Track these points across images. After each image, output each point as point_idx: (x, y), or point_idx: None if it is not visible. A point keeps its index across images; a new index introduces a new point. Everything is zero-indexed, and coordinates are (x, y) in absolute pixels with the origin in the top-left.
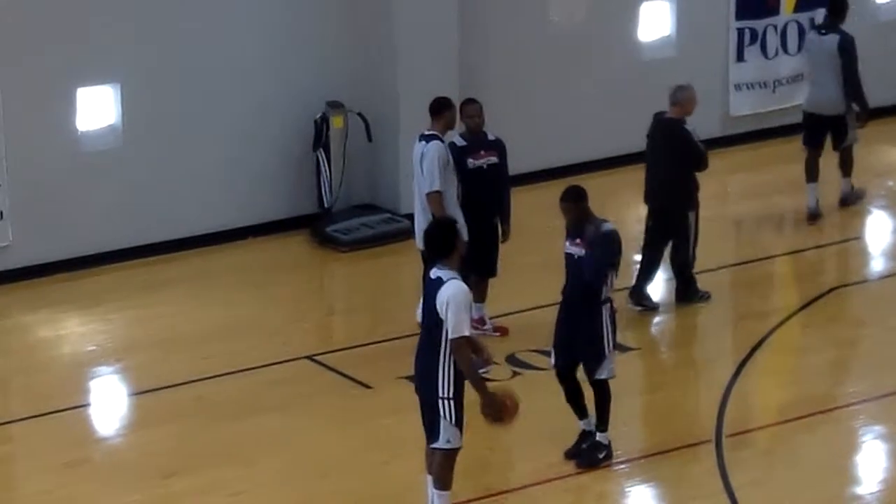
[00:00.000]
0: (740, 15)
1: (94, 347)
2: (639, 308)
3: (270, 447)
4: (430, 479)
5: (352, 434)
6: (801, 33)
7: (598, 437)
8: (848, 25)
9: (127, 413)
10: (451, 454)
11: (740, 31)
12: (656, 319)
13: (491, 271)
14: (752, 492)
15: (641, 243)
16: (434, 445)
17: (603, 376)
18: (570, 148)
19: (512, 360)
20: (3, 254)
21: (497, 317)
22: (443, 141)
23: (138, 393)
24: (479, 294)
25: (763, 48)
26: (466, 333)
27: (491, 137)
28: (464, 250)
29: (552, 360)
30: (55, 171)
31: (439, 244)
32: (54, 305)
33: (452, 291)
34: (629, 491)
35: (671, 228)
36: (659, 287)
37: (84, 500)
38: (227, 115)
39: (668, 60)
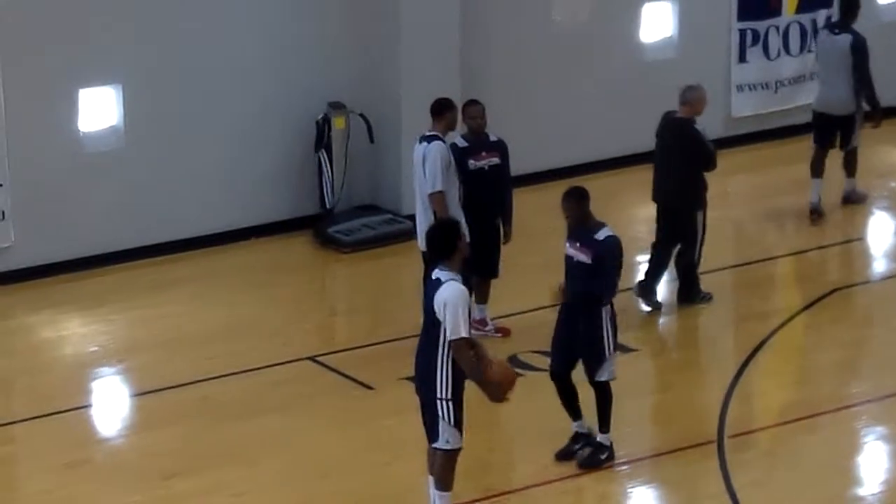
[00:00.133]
0: (742, 16)
1: (96, 348)
2: (644, 304)
3: (272, 448)
4: (431, 479)
5: (353, 435)
6: (803, 34)
7: (600, 438)
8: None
9: (129, 414)
10: (451, 455)
11: (742, 32)
12: (658, 320)
13: (493, 272)
14: (754, 492)
15: (644, 243)
16: (434, 445)
17: (603, 378)
18: (572, 149)
19: (514, 361)
20: (6, 254)
21: (499, 318)
22: (444, 142)
23: (140, 394)
24: (482, 295)
25: (765, 49)
26: (464, 335)
27: (493, 138)
28: (466, 252)
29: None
30: (57, 171)
31: (440, 245)
32: (56, 306)
33: (450, 292)
34: (631, 492)
35: (679, 228)
36: (661, 288)
37: (85, 501)
38: (228, 116)
39: (669, 61)
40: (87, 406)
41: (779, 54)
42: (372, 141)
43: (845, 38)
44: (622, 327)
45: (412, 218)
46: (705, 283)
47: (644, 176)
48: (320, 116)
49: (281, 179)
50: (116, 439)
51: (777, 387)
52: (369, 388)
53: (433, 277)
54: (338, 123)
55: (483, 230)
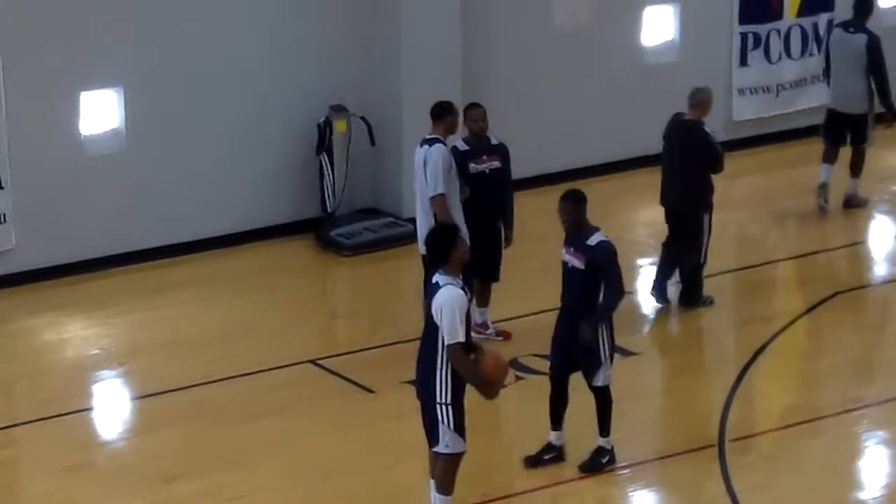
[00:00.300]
0: (743, 19)
1: (97, 351)
2: (659, 301)
3: (273, 451)
4: (432, 483)
5: (354, 438)
6: (805, 38)
7: (601, 442)
8: None
9: (130, 417)
10: (453, 459)
11: (743, 36)
12: (659, 324)
13: (494, 276)
14: (755, 496)
15: (645, 247)
16: (435, 449)
17: (599, 383)
18: (573, 152)
19: (515, 364)
20: (7, 257)
21: (500, 321)
22: (445, 144)
23: (141, 397)
24: (483, 298)
25: (766, 53)
26: (461, 339)
27: (494, 142)
28: (465, 256)
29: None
30: (58, 174)
31: (438, 250)
32: (57, 309)
33: (447, 297)
34: (632, 496)
35: (685, 230)
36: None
37: None
38: (229, 119)
39: (671, 65)
40: (89, 409)
41: (780, 58)
42: (373, 144)
43: (861, 38)
44: (624, 331)
45: (413, 221)
46: (707, 286)
47: (646, 179)
48: (321, 119)
49: (282, 182)
50: (117, 442)
51: (778, 390)
52: (370, 391)
53: (433, 282)
54: (339, 126)
55: (484, 233)
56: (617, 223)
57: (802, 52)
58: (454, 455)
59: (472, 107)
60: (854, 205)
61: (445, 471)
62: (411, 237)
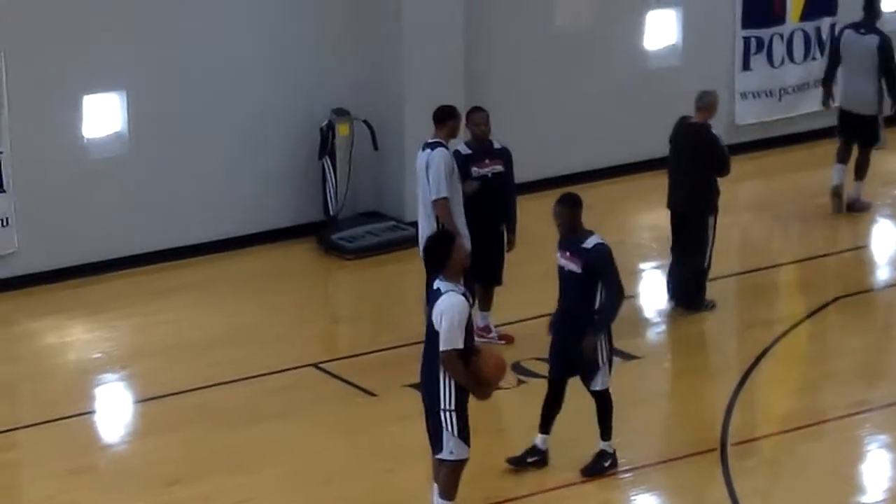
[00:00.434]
0: (746, 23)
1: (99, 354)
2: (687, 308)
3: (275, 455)
4: (435, 487)
5: (356, 442)
6: (807, 42)
7: (602, 445)
8: None
9: (132, 420)
10: (457, 466)
11: (746, 40)
12: (661, 328)
13: (496, 280)
14: (757, 501)
15: (648, 250)
16: (438, 456)
17: (597, 387)
18: (575, 156)
19: (517, 368)
20: (9, 260)
21: (502, 325)
22: (447, 148)
23: (143, 400)
24: (485, 302)
25: (769, 57)
26: (458, 346)
27: (496, 146)
28: (464, 263)
29: (548, 369)
30: (61, 178)
31: (434, 257)
32: (60, 312)
33: (447, 304)
34: (634, 499)
35: (690, 233)
36: (665, 295)
37: None
38: (232, 123)
39: (673, 69)
40: (91, 412)
41: (783, 62)
42: (376, 148)
43: (872, 39)
44: (626, 334)
45: (415, 225)
46: (710, 289)
47: (648, 183)
48: (324, 123)
49: (284, 186)
50: (119, 445)
51: (781, 394)
52: (372, 394)
53: (434, 288)
54: (342, 130)
55: (486, 237)
56: (619, 227)
57: (805, 56)
58: (458, 461)
59: (475, 111)
60: (857, 209)
61: (449, 477)
62: (413, 241)
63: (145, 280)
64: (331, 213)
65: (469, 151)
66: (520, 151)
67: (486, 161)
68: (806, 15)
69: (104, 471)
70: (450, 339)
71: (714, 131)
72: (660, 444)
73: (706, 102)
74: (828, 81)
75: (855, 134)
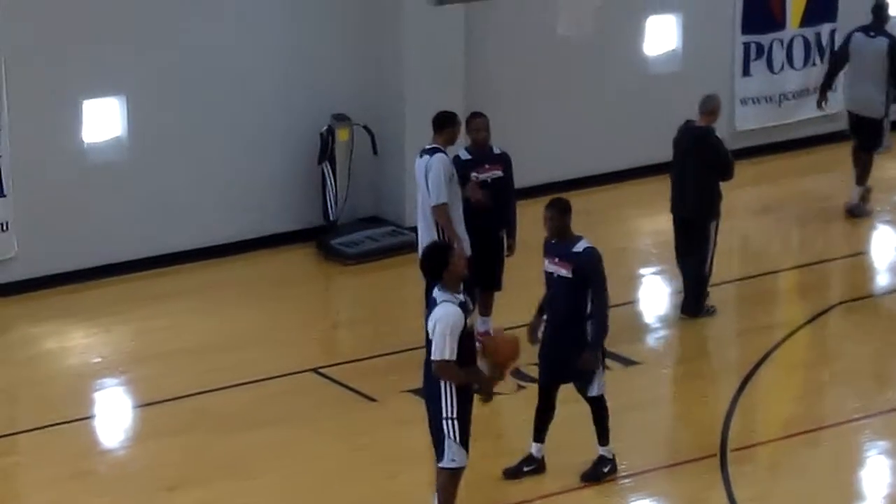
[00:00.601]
0: (746, 29)
1: (99, 359)
2: (687, 314)
3: (274, 460)
4: (436, 494)
5: (356, 447)
6: (807, 48)
7: (601, 451)
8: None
9: (132, 425)
10: (456, 474)
11: (746, 46)
12: (661, 333)
13: (496, 285)
14: None
15: (648, 256)
16: (440, 465)
17: (594, 393)
18: (575, 161)
19: (517, 373)
20: (9, 265)
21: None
22: (446, 154)
23: (143, 405)
24: (485, 307)
25: (769, 63)
26: (447, 357)
27: (496, 151)
28: (461, 273)
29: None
30: (61, 182)
31: (431, 267)
32: (59, 317)
33: (440, 314)
34: None
35: (693, 238)
36: (665, 300)
37: None
38: (232, 128)
39: (673, 74)
40: (90, 417)
41: (782, 68)
42: (375, 153)
43: (881, 41)
44: (626, 340)
45: (415, 230)
46: (710, 295)
47: (649, 188)
48: (324, 128)
49: (284, 191)
50: (119, 450)
51: (780, 400)
52: (372, 399)
53: (433, 296)
54: (341, 135)
55: (486, 242)
56: (620, 232)
57: (805, 62)
58: (458, 469)
59: (475, 116)
60: (856, 214)
61: (447, 484)
62: (413, 246)
63: (145, 285)
64: (330, 218)
65: (469, 157)
66: (520, 157)
67: (486, 166)
68: (806, 21)
69: (104, 476)
70: (439, 349)
71: (718, 135)
72: (660, 449)
73: (710, 106)
74: (827, 85)
75: (859, 137)
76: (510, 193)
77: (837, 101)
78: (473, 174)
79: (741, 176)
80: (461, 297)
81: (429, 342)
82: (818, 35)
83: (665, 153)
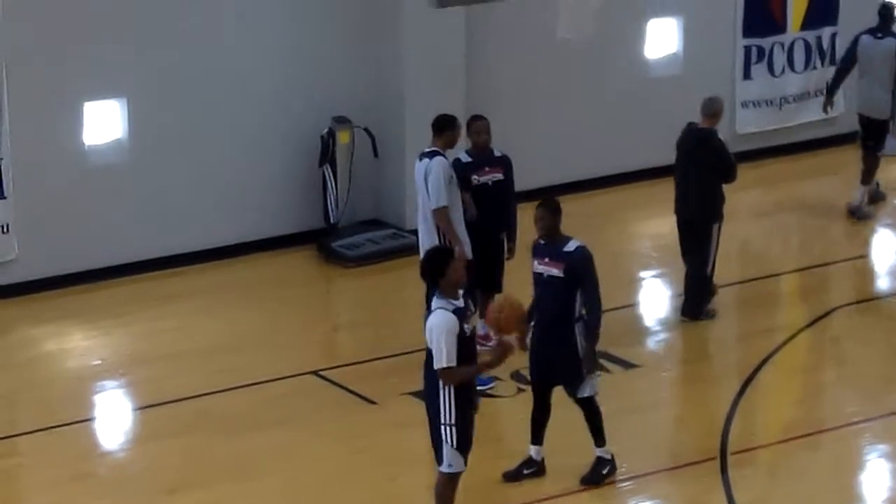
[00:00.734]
0: (747, 32)
1: (99, 361)
2: (688, 316)
3: (275, 462)
4: None
5: (356, 449)
6: (808, 51)
7: (599, 452)
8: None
9: (132, 427)
10: (453, 478)
11: (747, 49)
12: (661, 336)
13: (496, 287)
14: None
15: (648, 259)
16: (439, 469)
17: (586, 394)
18: (576, 164)
19: (517, 376)
20: (9, 267)
21: None
22: (445, 157)
23: (143, 407)
24: (484, 310)
25: (770, 66)
26: (444, 364)
27: (497, 154)
28: (459, 280)
29: (528, 377)
30: (62, 184)
31: (429, 272)
32: (60, 319)
33: (435, 322)
34: None
35: (696, 240)
36: (665, 303)
37: None
38: (233, 131)
39: (674, 78)
40: (91, 419)
41: (783, 71)
42: (376, 155)
43: (889, 42)
44: (626, 343)
45: (416, 233)
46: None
47: (649, 191)
48: (325, 131)
49: (285, 193)
50: (120, 453)
51: (780, 404)
52: (372, 402)
53: (431, 302)
54: (342, 138)
55: (486, 245)
56: (620, 235)
57: (806, 66)
58: (455, 474)
59: (475, 119)
60: (859, 216)
61: (445, 488)
62: (414, 248)
63: (145, 287)
64: (331, 220)
65: (469, 159)
66: (520, 159)
67: (487, 169)
68: (807, 24)
69: (104, 478)
70: (439, 357)
71: (720, 137)
72: (660, 452)
73: (713, 109)
74: (834, 88)
75: (872, 138)
76: (510, 196)
77: (838, 105)
78: (474, 177)
79: (742, 179)
80: (458, 303)
81: (428, 350)
82: (819, 38)
83: (665, 156)
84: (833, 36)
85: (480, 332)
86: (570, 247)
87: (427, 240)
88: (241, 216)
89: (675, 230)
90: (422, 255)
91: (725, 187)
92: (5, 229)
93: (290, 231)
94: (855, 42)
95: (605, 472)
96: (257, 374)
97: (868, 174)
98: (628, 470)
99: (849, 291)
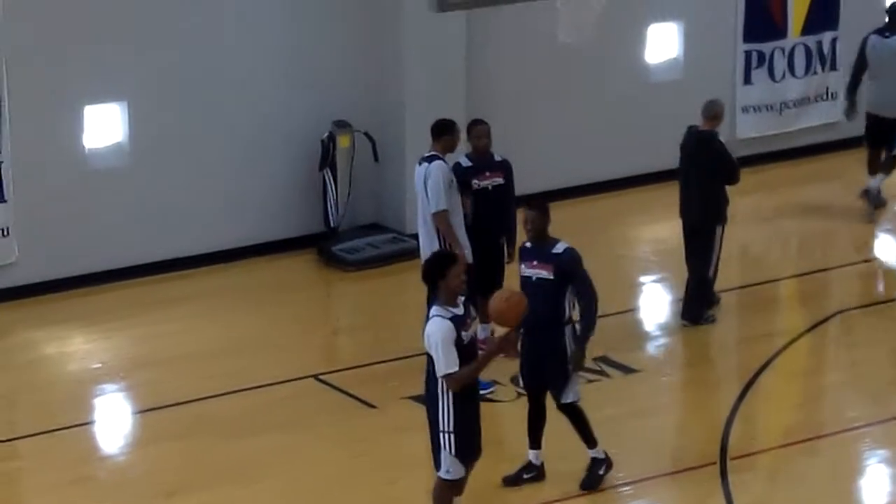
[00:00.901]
0: (748, 37)
1: (99, 364)
2: (705, 321)
3: (274, 466)
4: None
5: (356, 453)
6: (809, 56)
7: (592, 454)
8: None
9: (131, 431)
10: (452, 483)
11: (747, 54)
12: (661, 341)
13: (495, 291)
14: None
15: (648, 264)
16: (437, 474)
17: (569, 400)
18: (576, 169)
19: (517, 380)
20: (9, 270)
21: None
22: (445, 161)
23: (144, 410)
24: (485, 314)
25: (770, 71)
26: (450, 370)
27: (497, 158)
28: (458, 287)
29: (520, 382)
30: (62, 188)
31: (428, 275)
32: (60, 323)
33: (432, 329)
34: None
35: (699, 242)
36: (665, 308)
37: None
38: (233, 135)
39: (675, 82)
40: (90, 423)
41: (784, 76)
42: (376, 160)
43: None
44: (625, 348)
45: (416, 237)
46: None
47: (650, 196)
48: (325, 135)
49: (285, 197)
50: (119, 456)
51: (781, 408)
52: (372, 406)
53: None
54: (342, 142)
55: (486, 249)
56: (620, 240)
57: (806, 71)
58: (454, 480)
59: (476, 123)
60: (871, 199)
61: (442, 491)
62: (414, 253)
63: (145, 291)
64: (331, 224)
65: (469, 164)
66: (520, 164)
67: (487, 173)
68: (807, 29)
69: (104, 481)
70: (441, 365)
71: (721, 139)
72: (659, 457)
73: (713, 111)
74: (852, 91)
75: (882, 138)
76: (511, 200)
77: (836, 110)
78: (474, 181)
79: (742, 184)
80: (456, 310)
81: (428, 356)
82: (819, 43)
83: (665, 161)
84: (834, 41)
85: (480, 335)
86: (559, 248)
87: (427, 244)
88: (241, 220)
89: (678, 234)
90: (422, 259)
91: (728, 190)
92: (5, 232)
93: (291, 235)
94: (864, 43)
95: (601, 472)
96: (257, 378)
97: (888, 168)
98: (628, 475)
99: (849, 296)
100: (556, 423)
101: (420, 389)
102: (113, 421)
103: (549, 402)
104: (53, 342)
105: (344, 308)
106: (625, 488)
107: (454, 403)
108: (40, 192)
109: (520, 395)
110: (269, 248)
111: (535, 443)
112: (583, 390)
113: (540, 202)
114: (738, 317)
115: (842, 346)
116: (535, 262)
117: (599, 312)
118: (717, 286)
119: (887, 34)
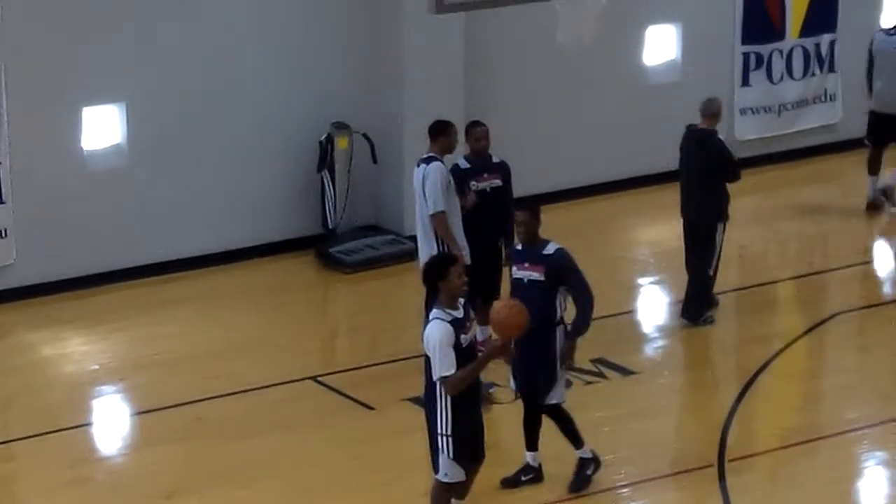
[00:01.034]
0: (746, 39)
1: (97, 366)
2: (703, 321)
3: (273, 468)
4: None
5: (354, 455)
6: (807, 58)
7: (579, 453)
8: (867, 35)
9: (129, 432)
10: (449, 487)
11: (746, 56)
12: (659, 343)
13: (495, 294)
14: None
15: (646, 266)
16: (435, 477)
17: (554, 401)
18: (575, 171)
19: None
20: (7, 272)
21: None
22: (443, 162)
23: (141, 412)
24: (485, 317)
25: (768, 73)
26: (442, 374)
27: (495, 160)
28: (457, 290)
29: (512, 385)
30: (60, 189)
31: (428, 277)
32: (58, 324)
33: (430, 332)
34: None
35: (699, 241)
36: (664, 310)
37: None
38: (232, 136)
39: (673, 84)
40: (88, 424)
41: (782, 78)
42: (375, 161)
43: None
44: (623, 350)
45: (414, 238)
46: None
47: (648, 198)
48: (324, 136)
49: (284, 199)
50: (117, 458)
51: (779, 410)
52: (370, 408)
53: (430, 309)
54: (341, 143)
55: (485, 251)
56: (619, 241)
57: (805, 73)
58: (451, 483)
59: (474, 125)
60: (889, 196)
61: (440, 495)
62: (412, 254)
63: (143, 292)
64: (329, 226)
65: (468, 165)
66: (519, 166)
67: (485, 175)
68: (805, 31)
69: (101, 483)
70: (439, 367)
71: (720, 137)
72: (657, 459)
73: (712, 109)
74: (871, 89)
75: (886, 134)
76: (509, 203)
77: (836, 111)
78: (472, 183)
79: (740, 185)
80: (456, 313)
81: (427, 358)
82: (818, 45)
83: (664, 163)
84: (832, 43)
85: (479, 338)
86: (550, 249)
87: (426, 246)
88: (239, 221)
89: (676, 236)
90: (421, 260)
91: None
92: (3, 234)
93: (289, 237)
94: (872, 40)
95: (589, 472)
96: (255, 380)
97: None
98: (626, 476)
99: (848, 298)
100: (554, 425)
101: (418, 391)
102: (111, 422)
103: None
104: (51, 344)
105: (342, 310)
106: (623, 490)
107: (452, 406)
108: (39, 194)
109: (517, 396)
110: (268, 249)
111: (531, 444)
112: (581, 392)
113: (530, 204)
114: (736, 318)
115: (840, 347)
116: (526, 264)
117: (597, 314)
118: (716, 288)
119: (892, 32)
